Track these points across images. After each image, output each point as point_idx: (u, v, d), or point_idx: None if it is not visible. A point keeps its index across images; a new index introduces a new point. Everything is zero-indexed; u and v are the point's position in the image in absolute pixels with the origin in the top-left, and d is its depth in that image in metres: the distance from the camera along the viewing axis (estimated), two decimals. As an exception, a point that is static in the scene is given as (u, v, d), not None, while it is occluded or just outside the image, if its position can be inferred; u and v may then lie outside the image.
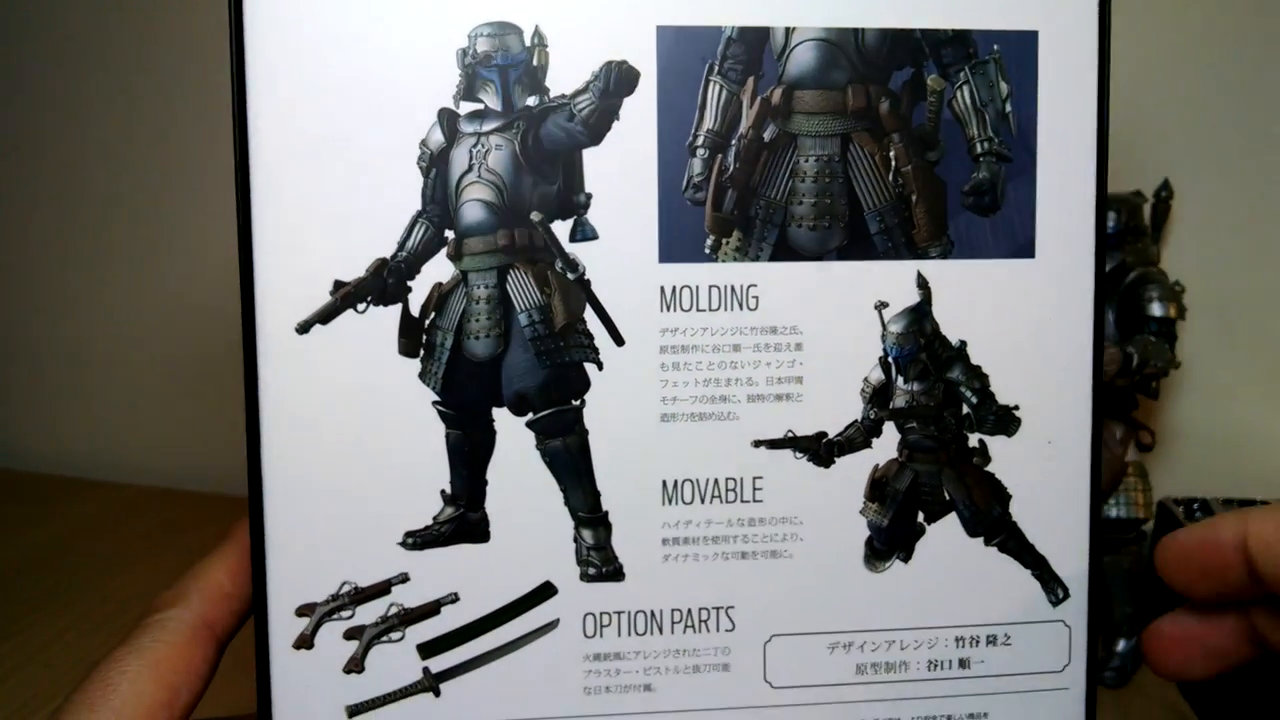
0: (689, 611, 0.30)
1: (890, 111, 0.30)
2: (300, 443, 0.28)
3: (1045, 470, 0.31)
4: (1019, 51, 0.30)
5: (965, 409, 0.31)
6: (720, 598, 0.30)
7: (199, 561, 0.31)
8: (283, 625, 0.29)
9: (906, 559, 0.31)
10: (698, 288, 0.29)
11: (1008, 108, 0.30)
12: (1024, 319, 0.31)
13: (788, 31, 0.29)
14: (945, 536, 0.31)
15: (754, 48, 0.29)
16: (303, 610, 0.29)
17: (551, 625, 0.30)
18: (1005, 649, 0.31)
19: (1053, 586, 0.31)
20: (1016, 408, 0.31)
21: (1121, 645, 0.51)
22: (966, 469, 0.31)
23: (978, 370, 0.30)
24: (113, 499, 0.71)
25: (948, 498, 0.31)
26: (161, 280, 0.77)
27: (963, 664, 0.31)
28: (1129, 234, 0.49)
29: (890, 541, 0.31)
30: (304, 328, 0.28)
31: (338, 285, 0.28)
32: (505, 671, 0.30)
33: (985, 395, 0.30)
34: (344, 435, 0.29)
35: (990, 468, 0.31)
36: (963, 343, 0.30)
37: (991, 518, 0.31)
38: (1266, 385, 0.59)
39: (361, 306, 0.28)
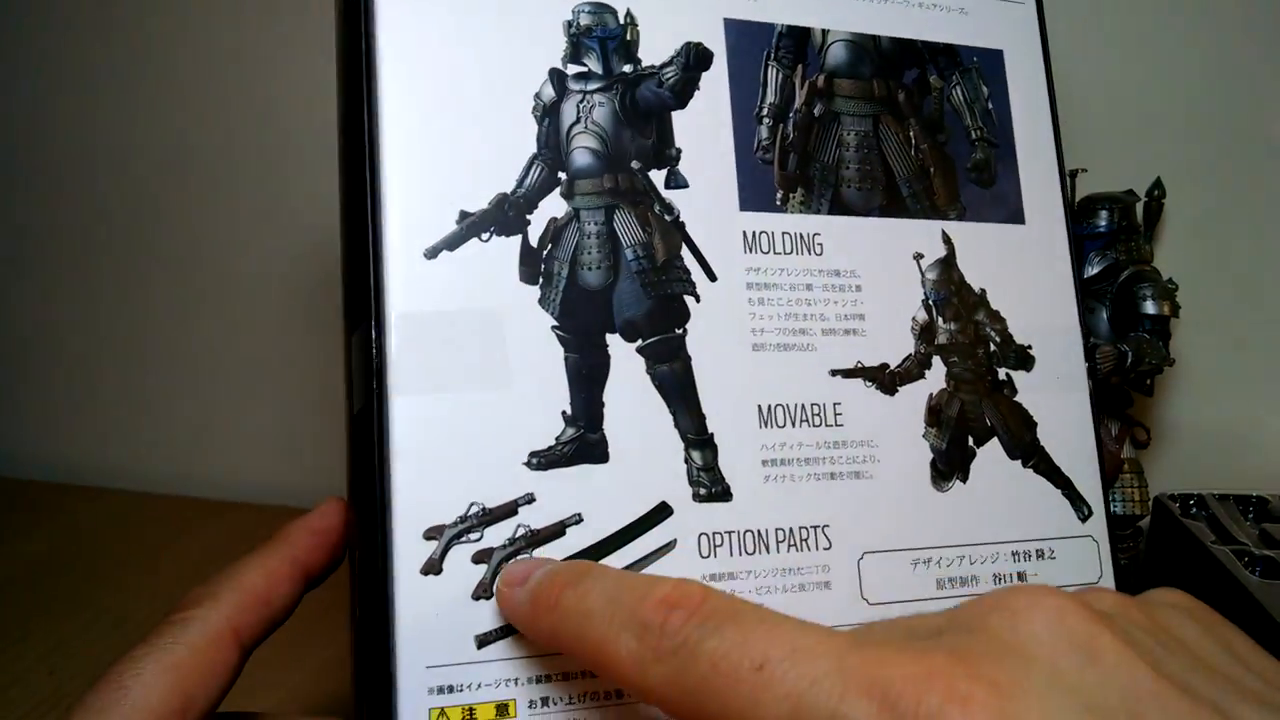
0: (791, 530, 0.33)
1: (906, 101, 0.38)
2: (426, 360, 0.30)
3: (1059, 402, 0.38)
4: (991, 64, 0.40)
5: (992, 347, 0.37)
6: (817, 517, 0.34)
7: (238, 560, 0.31)
8: (409, 549, 0.29)
9: (965, 479, 0.36)
10: (773, 234, 0.35)
11: (989, 105, 0.39)
12: (1023, 275, 0.38)
13: (824, 32, 0.37)
14: (992, 459, 0.37)
15: (799, 41, 0.37)
16: (431, 533, 0.30)
17: (670, 545, 0.32)
18: (1051, 562, 0.36)
19: (1079, 504, 0.37)
20: (1030, 347, 0.38)
21: None
22: (1000, 399, 0.37)
23: (997, 314, 0.38)
24: (117, 506, 0.69)
25: (989, 424, 0.37)
26: (173, 287, 0.77)
27: (1020, 577, 0.36)
28: (1122, 233, 0.51)
29: (950, 463, 0.36)
30: (432, 253, 0.31)
31: (463, 215, 0.32)
32: (629, 595, 0.31)
33: (1005, 336, 0.37)
34: (470, 355, 0.31)
35: (1017, 399, 0.37)
36: (983, 290, 0.37)
37: (1025, 442, 0.37)
38: (1261, 381, 0.61)
39: (485, 236, 0.32)
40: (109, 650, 0.28)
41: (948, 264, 0.37)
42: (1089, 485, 0.37)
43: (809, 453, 0.34)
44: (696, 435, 0.33)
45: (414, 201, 0.31)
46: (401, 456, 0.30)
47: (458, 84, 0.32)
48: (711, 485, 0.33)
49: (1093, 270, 0.52)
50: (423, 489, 0.30)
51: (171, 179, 0.76)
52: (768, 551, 0.33)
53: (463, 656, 0.29)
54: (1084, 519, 0.37)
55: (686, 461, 0.33)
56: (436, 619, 0.29)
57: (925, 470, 0.35)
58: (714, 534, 0.33)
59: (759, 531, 0.33)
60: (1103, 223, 0.52)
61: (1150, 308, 0.51)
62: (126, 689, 0.27)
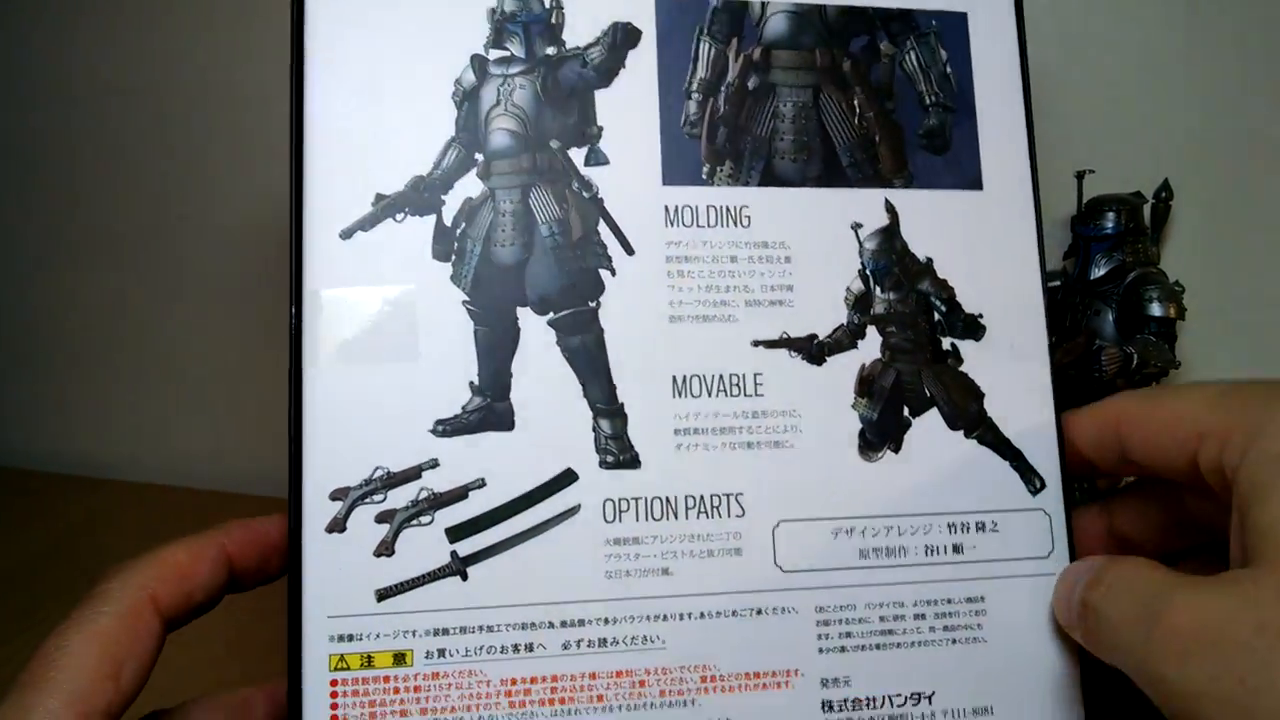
0: (701, 498, 0.34)
1: (852, 69, 0.37)
2: (339, 335, 0.33)
3: (1013, 371, 0.36)
4: (953, 27, 0.38)
5: (937, 316, 0.36)
6: (730, 485, 0.34)
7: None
8: (316, 509, 0.32)
9: (897, 449, 0.35)
10: (697, 207, 0.35)
11: (948, 70, 0.38)
12: (978, 241, 0.37)
13: (763, 4, 0.37)
14: (929, 429, 0.36)
15: (735, 15, 0.37)
16: (336, 494, 0.32)
17: (573, 510, 0.33)
18: (994, 535, 0.35)
19: (1030, 477, 0.36)
20: (981, 316, 0.36)
21: None
22: (943, 369, 0.36)
23: (944, 283, 0.36)
24: (120, 496, 0.71)
25: (928, 394, 0.36)
26: (172, 278, 0.79)
27: (956, 549, 0.35)
28: (1129, 234, 0.51)
29: (881, 433, 0.35)
30: (347, 234, 0.33)
31: (379, 198, 0.34)
32: (530, 556, 0.33)
33: (953, 304, 0.36)
34: (381, 329, 0.33)
35: (963, 369, 0.36)
36: (929, 259, 0.36)
37: (969, 413, 0.36)
38: (1267, 385, 0.59)
39: (400, 216, 0.34)
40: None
41: (889, 233, 0.36)
42: (1043, 458, 0.36)
43: (725, 422, 0.34)
44: (605, 405, 0.34)
45: (332, 185, 0.33)
46: (312, 424, 0.32)
47: (379, 71, 0.34)
48: (620, 453, 0.34)
49: (1099, 272, 0.52)
50: (330, 454, 0.32)
51: (144, 175, 0.78)
52: (676, 518, 0.34)
53: (363, 608, 0.32)
54: (1035, 492, 0.36)
55: (594, 430, 0.34)
56: (339, 573, 0.32)
57: (852, 440, 0.35)
58: (620, 500, 0.33)
59: (667, 499, 0.34)
60: (1109, 224, 0.52)
61: (1156, 310, 0.50)
62: (53, 661, 0.27)
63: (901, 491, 0.35)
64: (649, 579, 0.33)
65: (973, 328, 0.36)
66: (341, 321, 0.33)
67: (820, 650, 0.34)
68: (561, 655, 0.32)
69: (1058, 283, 0.54)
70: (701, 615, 0.33)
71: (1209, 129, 0.58)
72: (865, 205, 0.36)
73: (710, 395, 0.34)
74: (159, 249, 0.80)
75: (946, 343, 0.36)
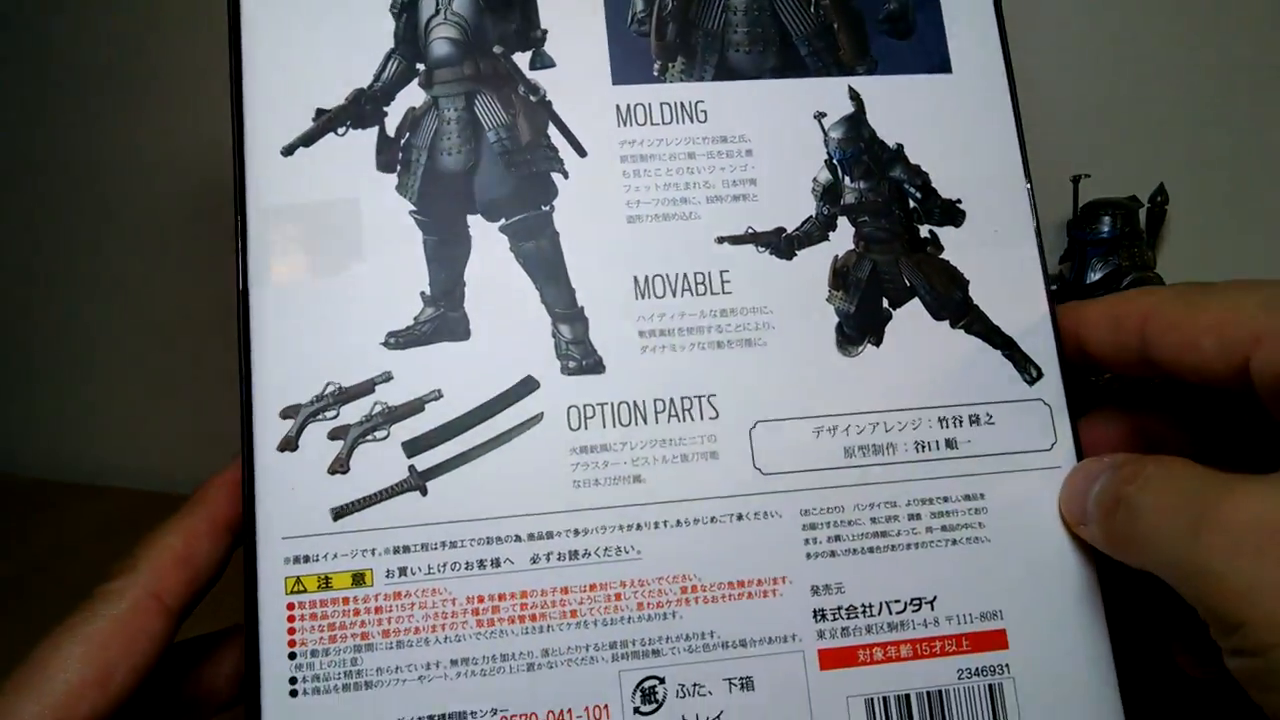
0: (671, 401, 0.32)
1: (805, -42, 0.36)
2: (284, 251, 0.32)
3: (998, 256, 0.34)
4: (909, -90, 0.37)
5: (912, 203, 0.34)
6: (701, 386, 0.32)
7: (157, 526, 0.31)
8: (267, 428, 0.30)
9: (878, 343, 0.33)
10: (650, 105, 0.34)
11: (906, -48, 0.36)
12: (951, 125, 0.35)
13: (708, -102, 0.36)
14: (912, 321, 0.34)
15: (680, -89, 0.36)
16: (287, 412, 0.31)
17: (536, 419, 0.31)
18: (990, 428, 0.33)
19: (1025, 366, 0.33)
20: (959, 201, 0.34)
21: None
22: (923, 258, 0.34)
23: (917, 168, 0.35)
24: (120, 504, 0.70)
25: (908, 284, 0.34)
26: (168, 285, 0.77)
27: (950, 444, 0.33)
28: (1124, 239, 0.51)
29: (860, 327, 0.33)
30: (289, 150, 0.32)
31: (319, 113, 0.33)
32: (493, 468, 0.31)
33: (928, 190, 0.34)
34: (327, 242, 0.32)
35: (944, 256, 0.34)
36: (900, 145, 0.35)
37: (954, 301, 0.34)
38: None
39: (341, 130, 0.33)
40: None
41: (855, 120, 0.35)
42: (1038, 345, 0.33)
43: (692, 322, 0.33)
44: (564, 309, 0.32)
45: (272, 102, 0.32)
46: (259, 341, 0.31)
47: (315, -9, 0.33)
48: (582, 358, 0.32)
49: (1095, 276, 0.51)
50: (279, 371, 0.31)
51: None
52: (645, 423, 0.32)
53: (319, 528, 0.30)
54: (1031, 381, 0.33)
55: (554, 335, 0.32)
56: (293, 493, 0.30)
57: (829, 335, 0.33)
58: (585, 406, 0.32)
59: (635, 403, 0.32)
60: (1105, 228, 0.51)
61: None
62: (44, 663, 0.27)
63: (886, 386, 0.33)
64: (620, 487, 0.31)
65: (951, 213, 0.34)
66: (286, 237, 0.32)
67: (809, 556, 0.32)
68: (530, 569, 0.31)
69: (1054, 286, 0.53)
70: (678, 523, 0.31)
71: (1204, 133, 0.58)
72: (827, 94, 0.35)
73: (675, 295, 0.33)
74: (156, 261, 0.78)
75: (924, 230, 0.34)
